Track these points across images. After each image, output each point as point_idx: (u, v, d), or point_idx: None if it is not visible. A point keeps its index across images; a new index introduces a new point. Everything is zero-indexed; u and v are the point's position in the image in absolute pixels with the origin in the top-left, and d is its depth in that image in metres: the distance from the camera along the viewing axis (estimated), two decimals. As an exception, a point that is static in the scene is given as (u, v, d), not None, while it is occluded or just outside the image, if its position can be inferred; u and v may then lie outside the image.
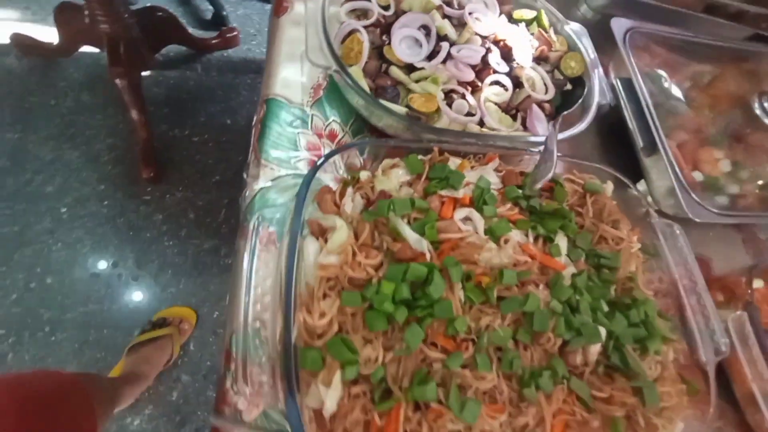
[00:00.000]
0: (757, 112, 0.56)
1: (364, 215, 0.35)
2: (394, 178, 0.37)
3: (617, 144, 0.56)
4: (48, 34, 1.43)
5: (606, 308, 0.38)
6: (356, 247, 0.32)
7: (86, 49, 1.43)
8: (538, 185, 0.39)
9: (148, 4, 1.43)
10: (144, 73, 1.48)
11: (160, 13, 1.37)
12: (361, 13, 0.48)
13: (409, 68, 0.46)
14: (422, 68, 0.45)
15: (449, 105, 0.44)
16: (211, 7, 1.73)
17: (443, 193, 0.38)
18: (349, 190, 0.36)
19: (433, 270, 0.32)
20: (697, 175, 0.52)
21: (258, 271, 0.31)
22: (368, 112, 0.43)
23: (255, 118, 0.46)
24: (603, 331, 0.35)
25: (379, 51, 0.46)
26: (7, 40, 1.43)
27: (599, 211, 0.43)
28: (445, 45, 0.46)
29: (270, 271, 0.34)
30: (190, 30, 1.56)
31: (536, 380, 0.32)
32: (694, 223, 0.57)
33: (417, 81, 0.45)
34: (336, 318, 0.30)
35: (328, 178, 0.36)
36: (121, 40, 1.19)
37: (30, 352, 1.10)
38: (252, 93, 1.65)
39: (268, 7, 1.83)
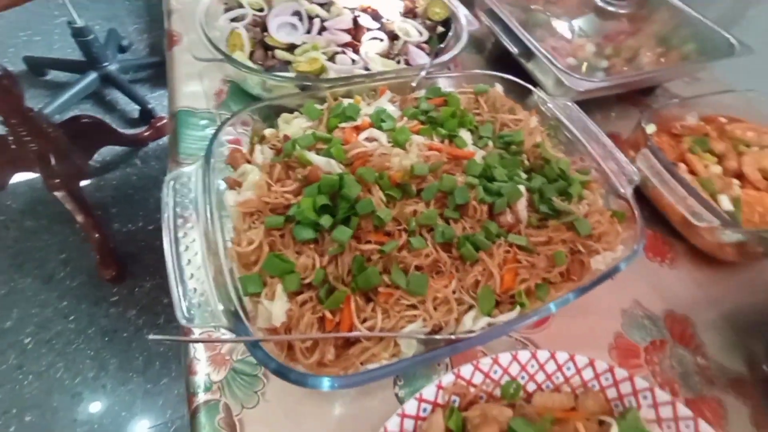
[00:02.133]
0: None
1: (273, 159, 0.38)
2: (296, 125, 0.41)
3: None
4: (-23, 175, 1.46)
5: (524, 175, 0.42)
6: (271, 180, 0.35)
7: (19, 177, 1.46)
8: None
9: (73, 114, 1.50)
10: (84, 183, 1.52)
11: (86, 120, 1.44)
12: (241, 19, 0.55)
13: (293, 49, 0.52)
14: (303, 43, 0.52)
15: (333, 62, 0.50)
16: (137, 106, 1.83)
17: (343, 125, 0.42)
18: (258, 146, 0.40)
19: (344, 176, 0.35)
20: (571, 61, 0.59)
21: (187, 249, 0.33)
22: (266, 90, 0.47)
23: (168, 138, 0.50)
24: (523, 188, 0.39)
25: (263, 44, 0.53)
26: (-63, 194, 1.45)
27: (493, 105, 0.48)
28: (317, 20, 0.53)
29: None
30: (120, 130, 1.64)
31: (472, 241, 0.35)
32: (596, 105, 0.63)
33: (301, 55, 0.51)
34: (265, 242, 0.32)
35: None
36: (51, 152, 1.24)
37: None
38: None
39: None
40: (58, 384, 1.17)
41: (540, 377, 0.31)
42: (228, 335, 0.31)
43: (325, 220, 0.33)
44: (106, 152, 1.66)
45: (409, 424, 0.27)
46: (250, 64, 0.47)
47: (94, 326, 1.29)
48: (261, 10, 0.55)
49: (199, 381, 0.32)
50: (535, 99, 0.51)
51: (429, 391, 0.28)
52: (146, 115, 1.82)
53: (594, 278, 0.34)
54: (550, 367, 0.31)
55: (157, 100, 1.92)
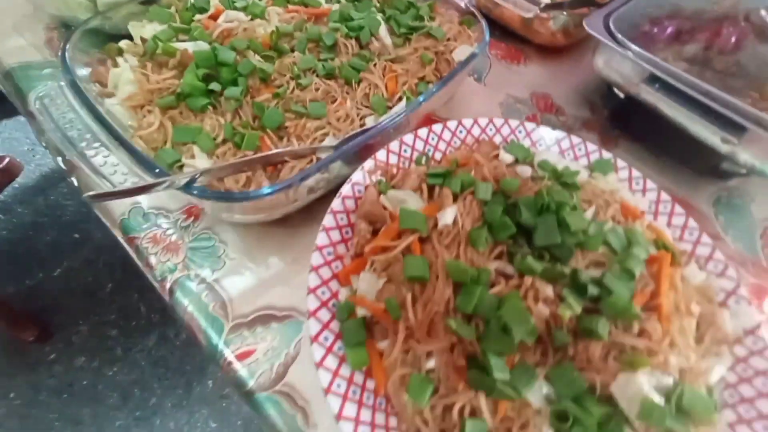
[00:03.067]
0: None
1: (139, 60, 0.38)
2: (150, 29, 0.41)
3: None
4: None
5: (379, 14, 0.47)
6: (147, 70, 0.36)
7: None
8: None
9: None
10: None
11: None
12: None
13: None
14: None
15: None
16: None
17: (198, 17, 0.42)
18: (119, 59, 0.39)
19: (215, 47, 0.37)
20: None
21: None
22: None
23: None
24: (379, 17, 0.44)
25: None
26: None
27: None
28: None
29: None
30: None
31: (351, 66, 0.40)
32: None
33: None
34: (165, 121, 0.34)
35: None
36: None
37: None
38: (73, 193, 1.51)
39: (22, 119, 1.65)
40: (35, 458, 1.08)
41: (442, 146, 0.39)
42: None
43: (214, 85, 0.35)
44: (-45, 220, 1.39)
45: (349, 203, 0.33)
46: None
47: (43, 391, 1.17)
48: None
49: (163, 268, 0.35)
50: None
51: (357, 176, 0.34)
52: (-21, 163, 1.51)
53: (456, 66, 0.42)
54: (446, 135, 0.39)
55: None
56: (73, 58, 0.36)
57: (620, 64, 0.47)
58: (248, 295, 0.34)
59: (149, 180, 0.28)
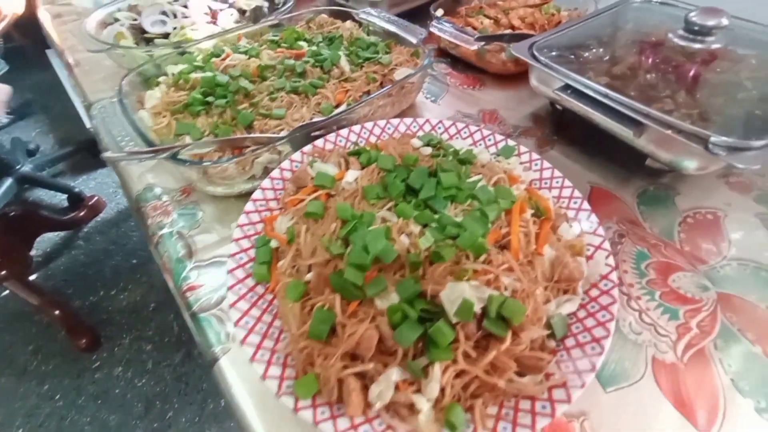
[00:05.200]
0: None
1: (168, 87, 0.55)
2: (179, 67, 0.59)
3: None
4: None
5: (345, 50, 0.62)
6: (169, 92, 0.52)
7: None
8: None
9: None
10: (32, 278, 1.56)
11: (14, 213, 1.51)
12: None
13: (167, 37, 0.71)
14: (174, 28, 0.70)
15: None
16: (64, 195, 1.86)
17: (214, 59, 0.60)
18: (156, 87, 0.56)
19: (215, 75, 0.53)
20: None
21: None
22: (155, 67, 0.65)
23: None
24: (341, 52, 0.59)
25: (144, 39, 0.71)
26: None
27: (321, 25, 0.69)
28: (179, 14, 0.72)
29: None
30: (53, 215, 1.70)
31: (312, 84, 0.53)
32: (412, 16, 0.85)
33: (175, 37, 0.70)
34: (171, 121, 0.49)
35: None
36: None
37: None
38: (138, 226, 1.79)
39: (109, 169, 2.04)
40: (63, 457, 1.19)
41: (372, 139, 0.49)
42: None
43: (210, 98, 0.50)
44: (45, 244, 1.71)
45: (287, 173, 0.44)
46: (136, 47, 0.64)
47: (83, 395, 1.32)
48: (135, 20, 0.74)
49: (155, 225, 0.47)
50: (357, 15, 0.72)
51: (296, 156, 0.45)
52: (75, 199, 1.85)
53: (396, 80, 0.54)
54: (377, 130, 0.50)
55: (82, 185, 2.00)
56: (126, 87, 0.53)
57: (547, 80, 0.56)
58: (209, 247, 0.45)
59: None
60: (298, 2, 0.91)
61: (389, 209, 0.38)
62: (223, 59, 0.60)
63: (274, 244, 0.37)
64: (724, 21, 0.51)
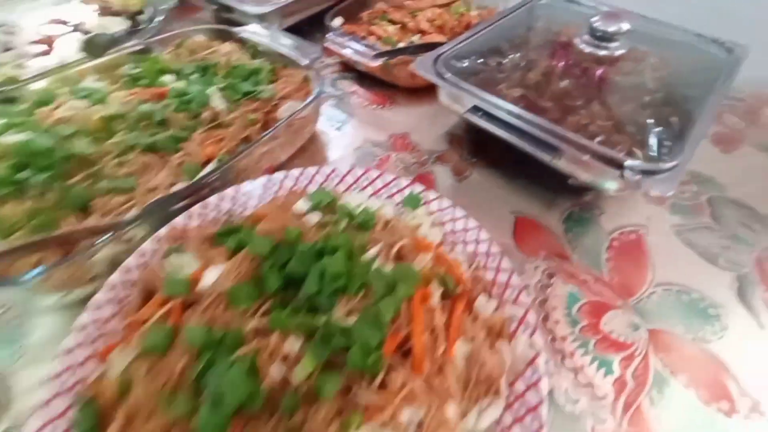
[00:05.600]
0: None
1: None
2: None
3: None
4: None
5: (220, 83, 0.51)
6: None
7: None
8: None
9: None
10: None
11: None
12: None
13: None
14: None
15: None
16: None
17: (42, 109, 0.47)
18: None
19: (36, 138, 0.40)
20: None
21: None
22: None
23: None
24: (213, 89, 0.48)
25: None
26: None
27: (193, 50, 0.57)
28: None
29: None
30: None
31: (173, 137, 0.42)
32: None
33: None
34: None
35: None
36: None
37: None
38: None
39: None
40: None
41: (252, 203, 0.40)
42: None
43: (21, 176, 0.38)
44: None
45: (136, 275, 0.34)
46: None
47: None
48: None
49: None
50: (239, 33, 0.61)
51: (147, 245, 0.35)
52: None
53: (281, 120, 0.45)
54: (257, 191, 0.40)
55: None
56: None
57: (457, 98, 0.49)
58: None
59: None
60: (177, 16, 0.78)
61: (265, 313, 0.29)
62: (54, 110, 0.47)
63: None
64: (625, 26, 0.47)
